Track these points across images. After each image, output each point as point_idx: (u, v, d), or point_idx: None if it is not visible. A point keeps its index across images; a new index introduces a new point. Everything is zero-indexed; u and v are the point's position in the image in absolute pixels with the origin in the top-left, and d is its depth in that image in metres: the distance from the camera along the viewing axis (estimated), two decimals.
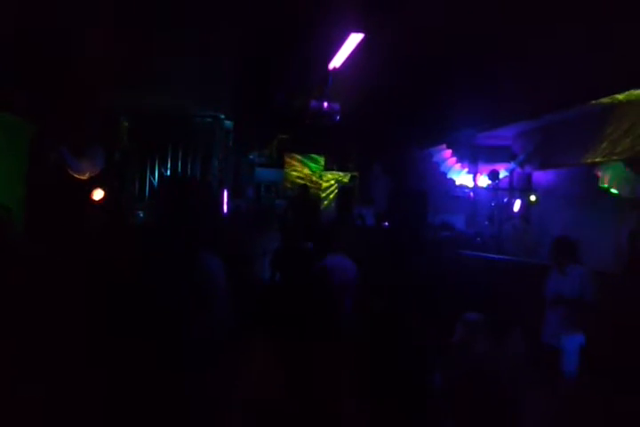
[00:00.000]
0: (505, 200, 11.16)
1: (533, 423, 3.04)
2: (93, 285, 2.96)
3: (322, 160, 14.91)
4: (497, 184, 11.17)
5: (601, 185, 8.54)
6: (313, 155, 14.83)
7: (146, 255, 2.77)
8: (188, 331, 2.57)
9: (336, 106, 8.45)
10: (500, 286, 6.41)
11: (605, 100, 7.74)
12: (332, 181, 15.03)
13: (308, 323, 2.92)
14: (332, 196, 14.91)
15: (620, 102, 7.81)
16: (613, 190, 8.41)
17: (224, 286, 2.78)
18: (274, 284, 6.64)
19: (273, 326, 2.98)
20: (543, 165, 10.19)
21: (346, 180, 14.68)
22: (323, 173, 14.96)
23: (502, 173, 11.06)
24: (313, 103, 8.47)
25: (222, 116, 11.51)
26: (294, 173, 14.79)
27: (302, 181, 14.36)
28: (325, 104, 8.37)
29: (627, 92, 7.27)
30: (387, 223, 10.66)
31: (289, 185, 14.53)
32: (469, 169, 11.74)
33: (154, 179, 11.70)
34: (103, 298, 2.71)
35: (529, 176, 10.85)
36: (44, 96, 7.73)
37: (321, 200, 14.75)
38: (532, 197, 10.53)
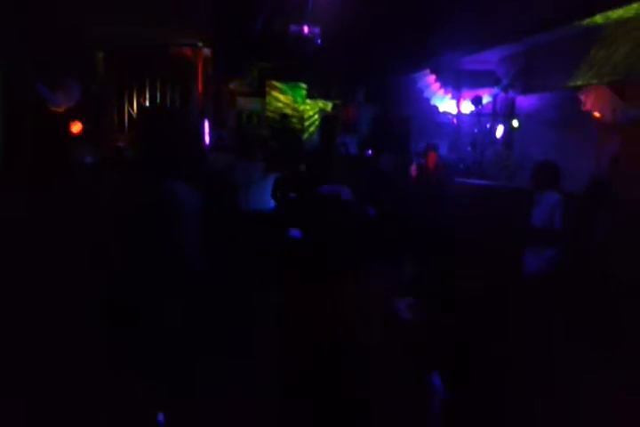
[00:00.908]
0: (488, 126, 11.13)
1: None
2: (74, 216, 2.97)
3: (304, 88, 14.63)
4: (480, 110, 11.10)
5: (584, 109, 8.51)
6: (295, 83, 14.53)
7: (123, 186, 2.78)
8: (160, 256, 2.62)
9: (316, 30, 8.24)
10: (487, 213, 6.49)
11: (590, 21, 7.60)
12: (314, 110, 14.82)
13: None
14: (314, 125, 14.75)
15: (606, 24, 7.67)
16: (596, 114, 8.40)
17: (196, 214, 2.82)
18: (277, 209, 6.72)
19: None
20: (526, 90, 10.10)
21: (328, 108, 14.48)
22: (305, 101, 14.72)
23: (486, 99, 10.97)
24: (293, 27, 8.24)
25: (200, 44, 11.16)
26: (276, 102, 14.53)
27: (284, 110, 14.15)
28: (306, 28, 8.15)
29: (611, 12, 7.13)
30: (370, 151, 10.64)
31: (271, 114, 14.32)
32: (453, 95, 11.62)
33: (133, 110, 11.49)
34: (83, 230, 2.74)
35: (512, 101, 10.77)
36: (14, 28, 7.44)
37: (304, 129, 14.60)
38: (515, 123, 10.50)
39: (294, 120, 14.26)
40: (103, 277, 2.60)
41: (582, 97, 8.46)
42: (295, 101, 14.61)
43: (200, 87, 11.45)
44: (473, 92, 11.03)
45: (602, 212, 5.14)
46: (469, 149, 11.07)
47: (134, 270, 2.55)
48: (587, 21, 7.60)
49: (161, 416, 2.58)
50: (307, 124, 14.72)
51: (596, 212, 5.22)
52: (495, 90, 10.74)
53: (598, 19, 7.51)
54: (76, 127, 9.62)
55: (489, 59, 10.61)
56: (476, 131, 11.18)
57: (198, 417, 2.59)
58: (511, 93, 10.58)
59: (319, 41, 8.31)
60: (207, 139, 10.77)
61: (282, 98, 14.55)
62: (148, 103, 11.42)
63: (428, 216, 6.05)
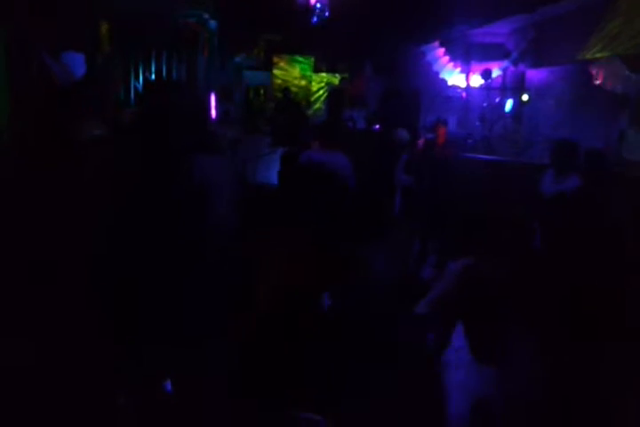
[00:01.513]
0: (497, 100, 11.01)
1: None
2: (87, 197, 2.94)
3: (311, 61, 14.46)
4: (489, 83, 10.97)
5: (595, 82, 8.39)
6: (302, 56, 14.36)
7: (136, 162, 2.73)
8: (188, 232, 2.60)
9: (324, 0, 8.10)
10: (496, 187, 6.44)
11: None
12: (320, 86, 14.67)
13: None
14: (320, 101, 14.61)
15: None
16: (607, 88, 8.27)
17: (226, 185, 2.78)
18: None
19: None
20: (537, 63, 9.97)
21: (335, 82, 14.34)
22: (312, 74, 14.56)
23: (495, 72, 10.84)
24: None
25: (206, 16, 11.01)
26: (283, 76, 14.39)
27: (291, 84, 14.01)
28: None
29: None
30: (377, 126, 10.55)
31: (277, 88, 14.19)
32: (462, 68, 11.48)
33: (138, 84, 11.39)
34: (97, 211, 2.71)
35: (522, 75, 10.64)
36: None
37: (311, 103, 14.48)
38: (525, 97, 10.37)
39: (300, 96, 14.12)
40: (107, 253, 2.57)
41: (593, 70, 8.33)
42: (302, 76, 14.46)
43: (206, 60, 11.34)
44: (482, 66, 10.89)
45: (603, 192, 4.98)
46: (478, 123, 10.97)
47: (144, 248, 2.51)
48: None
49: (169, 384, 2.60)
50: (312, 99, 14.59)
51: (597, 193, 5.08)
52: (505, 63, 10.60)
53: None
54: (82, 102, 9.56)
55: (499, 31, 10.45)
56: (485, 105, 11.06)
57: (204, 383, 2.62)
58: (521, 67, 10.44)
59: (327, 13, 8.17)
60: (214, 113, 10.70)
61: (288, 73, 14.41)
62: (153, 77, 11.31)
63: (433, 191, 6.01)
